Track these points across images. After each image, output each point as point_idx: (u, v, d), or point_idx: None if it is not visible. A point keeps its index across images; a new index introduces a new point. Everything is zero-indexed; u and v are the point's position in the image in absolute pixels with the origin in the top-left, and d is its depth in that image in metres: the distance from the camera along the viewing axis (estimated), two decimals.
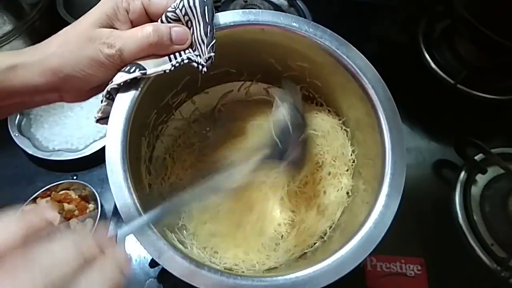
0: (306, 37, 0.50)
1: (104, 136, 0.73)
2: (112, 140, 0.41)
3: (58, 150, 0.71)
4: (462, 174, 0.73)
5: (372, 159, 0.50)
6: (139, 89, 0.43)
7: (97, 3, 0.42)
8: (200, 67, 0.42)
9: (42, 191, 0.65)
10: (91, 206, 0.67)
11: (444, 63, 0.85)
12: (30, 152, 0.69)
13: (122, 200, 0.39)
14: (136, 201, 0.39)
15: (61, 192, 0.67)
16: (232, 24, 0.48)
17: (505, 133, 0.81)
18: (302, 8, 0.91)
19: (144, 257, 0.61)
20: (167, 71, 0.41)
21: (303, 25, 0.50)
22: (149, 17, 0.43)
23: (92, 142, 0.72)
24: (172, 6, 0.42)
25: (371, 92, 0.49)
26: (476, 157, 0.73)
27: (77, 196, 0.67)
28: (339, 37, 0.51)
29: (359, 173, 0.55)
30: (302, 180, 0.57)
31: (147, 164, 0.53)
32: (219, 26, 0.46)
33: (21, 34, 0.78)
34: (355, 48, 0.50)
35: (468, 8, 0.75)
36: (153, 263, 0.57)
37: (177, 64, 0.42)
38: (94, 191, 0.66)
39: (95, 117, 0.44)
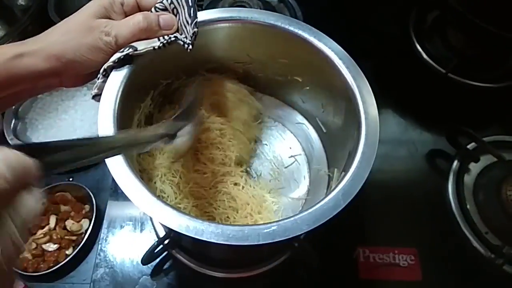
0: (286, 31, 0.53)
1: None
2: (105, 108, 0.44)
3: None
4: (455, 163, 0.73)
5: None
6: (132, 66, 0.47)
7: None
8: (186, 45, 0.47)
9: None
10: (86, 207, 0.68)
11: (435, 52, 0.85)
12: None
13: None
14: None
15: (57, 194, 0.68)
16: (213, 20, 0.53)
17: (497, 121, 0.81)
18: (292, 4, 0.91)
19: (137, 255, 0.61)
20: (156, 47, 0.46)
21: (281, 20, 0.53)
22: (140, 10, 0.48)
23: None
24: None
25: (350, 79, 0.49)
26: (468, 146, 0.74)
27: (73, 198, 0.68)
28: (313, 28, 0.53)
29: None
30: None
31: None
32: (202, 22, 0.50)
33: (13, 39, 0.78)
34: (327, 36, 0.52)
35: None
36: (145, 260, 0.58)
37: (165, 41, 0.46)
38: (90, 192, 0.67)
39: (91, 94, 0.48)
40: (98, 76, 0.47)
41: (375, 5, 0.99)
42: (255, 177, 0.62)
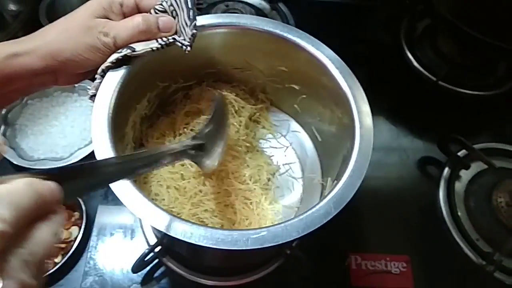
0: (284, 38, 0.53)
1: (89, 143, 0.73)
2: (99, 108, 0.44)
3: (43, 159, 0.71)
4: (446, 170, 0.74)
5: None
6: (129, 67, 0.47)
7: None
8: (184, 47, 0.47)
9: None
10: (76, 214, 0.67)
11: (426, 60, 0.86)
12: (15, 162, 0.69)
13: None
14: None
15: None
16: (213, 24, 0.53)
17: (487, 129, 0.82)
18: (284, 12, 0.92)
19: (128, 263, 0.61)
20: (154, 48, 0.46)
21: (279, 27, 0.53)
22: (139, 11, 0.48)
23: (76, 150, 0.72)
24: (160, 0, 0.47)
25: (346, 88, 0.49)
26: (459, 153, 0.74)
27: (62, 205, 0.67)
28: (311, 36, 0.53)
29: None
30: None
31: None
32: (201, 26, 0.50)
33: None
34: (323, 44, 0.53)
35: (446, 7, 0.76)
36: (135, 269, 0.57)
37: (164, 43, 0.46)
38: (79, 199, 0.66)
39: (88, 94, 0.48)
40: (96, 76, 0.47)
41: (366, 13, 1.00)
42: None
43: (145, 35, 0.46)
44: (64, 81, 0.48)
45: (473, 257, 0.65)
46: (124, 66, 0.47)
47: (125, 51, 0.45)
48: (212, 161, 0.49)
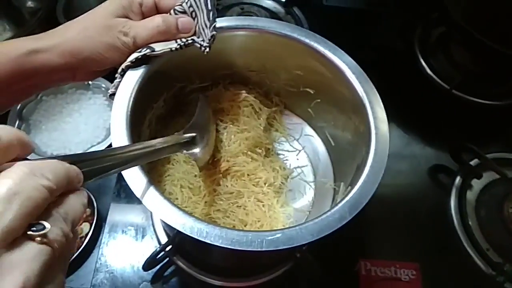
0: (301, 42, 0.53)
1: (102, 141, 0.73)
2: (118, 106, 0.45)
3: (56, 155, 0.71)
4: (458, 179, 0.73)
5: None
6: (148, 67, 0.48)
7: None
8: (203, 48, 0.47)
9: None
10: (88, 210, 0.67)
11: (440, 69, 0.86)
12: (28, 157, 0.70)
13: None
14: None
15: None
16: (231, 27, 0.53)
17: (500, 138, 0.81)
18: (298, 16, 0.92)
19: (138, 261, 0.61)
20: (173, 49, 0.47)
21: (297, 31, 0.53)
22: (158, 11, 0.48)
23: (90, 147, 0.73)
24: (180, 1, 0.48)
25: (362, 94, 0.49)
26: (471, 162, 0.74)
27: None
28: (328, 41, 0.53)
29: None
30: None
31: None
32: (219, 28, 0.50)
33: None
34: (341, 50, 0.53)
35: (463, 15, 0.76)
36: (147, 267, 0.57)
37: (182, 43, 0.47)
38: (91, 195, 0.66)
39: (108, 92, 0.48)
40: (116, 75, 0.47)
41: (381, 19, 1.00)
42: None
43: (164, 36, 0.47)
44: (81, 78, 0.49)
45: (483, 267, 0.65)
46: (143, 66, 0.47)
47: (144, 51, 0.46)
48: (203, 154, 0.50)
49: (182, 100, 0.61)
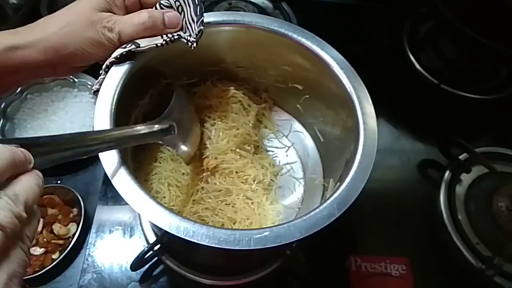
0: (289, 37, 0.52)
1: None
2: (102, 103, 0.44)
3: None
4: (447, 173, 0.73)
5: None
6: (133, 63, 0.46)
7: None
8: (190, 43, 0.46)
9: None
10: (74, 210, 0.66)
11: (428, 63, 0.86)
12: None
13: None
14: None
15: (45, 197, 0.66)
16: (218, 22, 0.52)
17: (489, 133, 0.82)
18: (287, 11, 0.91)
19: (126, 261, 0.60)
20: (159, 44, 0.45)
21: (285, 27, 0.53)
22: (142, 6, 0.47)
23: None
24: None
25: (350, 89, 0.49)
26: (460, 157, 0.74)
27: (60, 201, 0.67)
28: (316, 36, 0.52)
29: None
30: None
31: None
32: (206, 23, 0.49)
33: None
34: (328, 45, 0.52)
35: (451, 10, 0.76)
36: (135, 266, 0.56)
37: (168, 39, 0.46)
38: (78, 195, 0.65)
39: (93, 89, 0.47)
40: (101, 72, 0.46)
41: (369, 14, 1.00)
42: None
43: (150, 32, 0.46)
44: (63, 73, 0.48)
45: (473, 261, 0.65)
46: (128, 62, 0.46)
47: (129, 47, 0.45)
48: (188, 147, 0.50)
49: (169, 97, 0.60)
